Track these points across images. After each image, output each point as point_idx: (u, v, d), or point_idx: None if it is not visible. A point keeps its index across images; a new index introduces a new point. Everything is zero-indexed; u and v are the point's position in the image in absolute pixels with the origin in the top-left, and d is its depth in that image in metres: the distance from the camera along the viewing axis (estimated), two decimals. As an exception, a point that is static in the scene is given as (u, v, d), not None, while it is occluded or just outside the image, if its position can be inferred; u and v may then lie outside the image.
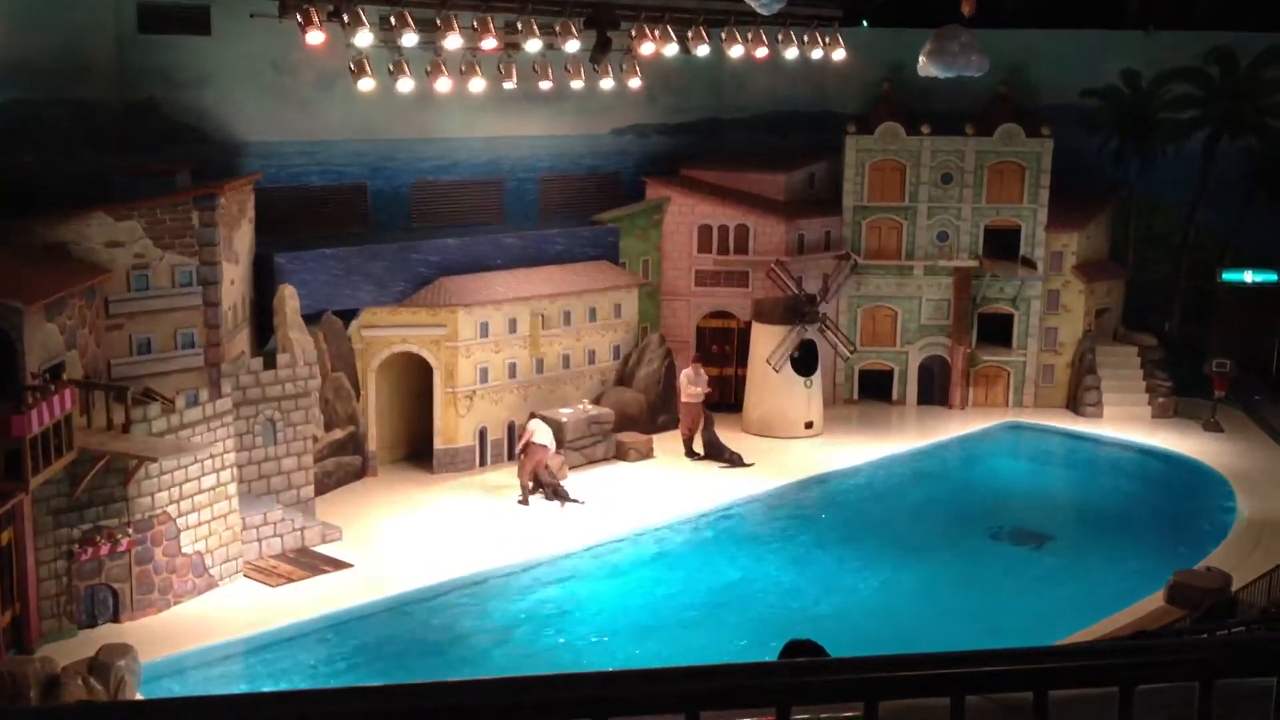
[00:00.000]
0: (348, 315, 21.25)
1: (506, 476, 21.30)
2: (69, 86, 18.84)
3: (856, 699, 1.99)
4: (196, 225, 17.92)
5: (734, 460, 22.56)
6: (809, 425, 24.56)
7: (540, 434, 20.49)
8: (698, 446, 22.89)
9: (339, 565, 17.70)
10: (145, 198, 17.62)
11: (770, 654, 2.58)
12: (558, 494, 20.57)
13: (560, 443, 21.84)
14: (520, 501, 20.39)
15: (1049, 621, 15.89)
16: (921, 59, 23.35)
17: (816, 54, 24.81)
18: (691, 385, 23.05)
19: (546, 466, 20.57)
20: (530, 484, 20.47)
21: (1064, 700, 2.21)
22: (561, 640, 16.39)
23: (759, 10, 17.83)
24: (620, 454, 22.82)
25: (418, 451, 22.32)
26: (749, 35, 23.74)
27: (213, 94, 20.52)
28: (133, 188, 17.86)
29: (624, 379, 24.29)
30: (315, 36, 18.30)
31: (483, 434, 22.20)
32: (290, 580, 17.17)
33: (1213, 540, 19.58)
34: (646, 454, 22.93)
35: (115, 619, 15.64)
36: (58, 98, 18.66)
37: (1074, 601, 17.12)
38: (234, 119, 20.79)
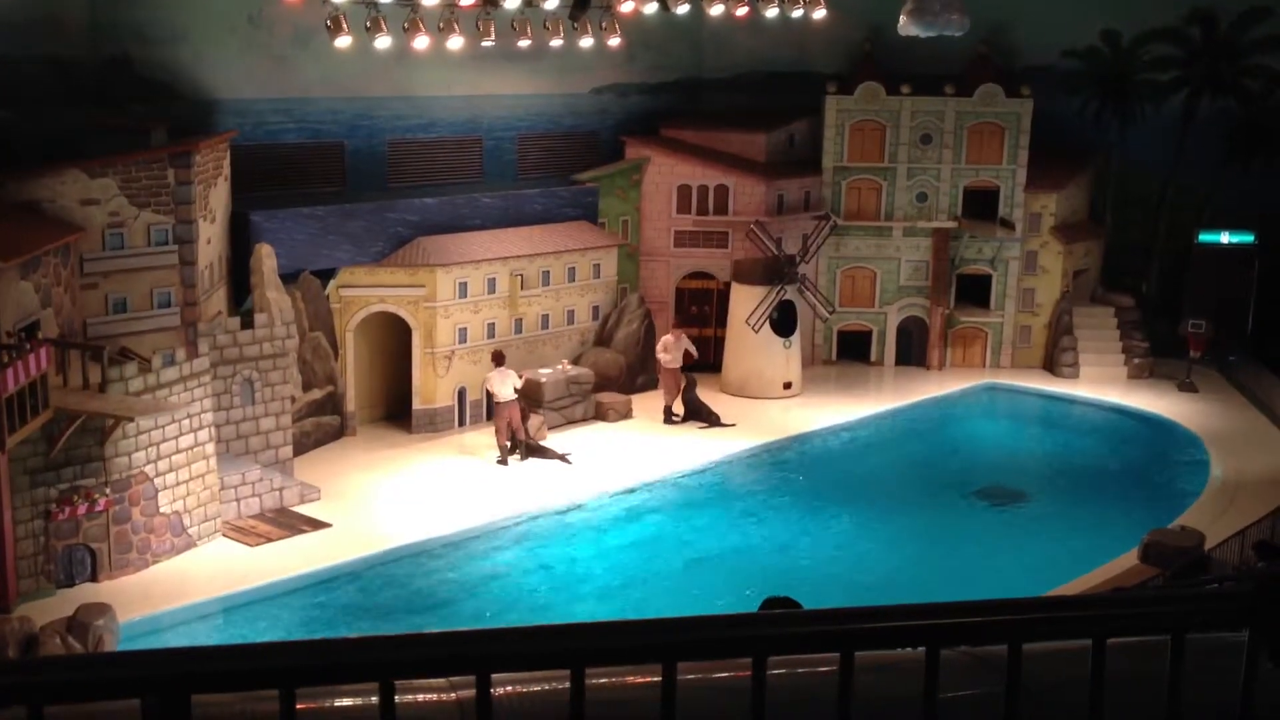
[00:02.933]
0: (325, 275, 21.15)
1: (485, 437, 21.30)
2: (42, 42, 18.60)
3: (832, 650, 2.01)
4: (172, 183, 17.77)
5: (714, 420, 22.60)
6: (788, 386, 24.62)
7: (500, 389, 20.32)
8: (677, 409, 22.81)
9: (317, 525, 17.70)
10: (120, 154, 17.44)
11: (748, 611, 2.60)
12: (534, 452, 20.56)
13: (539, 403, 21.85)
14: (499, 462, 20.40)
15: (1023, 579, 16.03)
16: (902, 18, 23.27)
17: (797, 13, 24.66)
18: (670, 351, 22.87)
19: (518, 421, 20.44)
20: (508, 443, 20.46)
21: (1037, 653, 2.23)
22: (539, 598, 16.47)
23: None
24: (599, 414, 22.84)
25: (396, 412, 22.30)
26: (729, -7, 23.55)
27: (187, 50, 20.29)
28: (107, 144, 17.67)
29: (603, 340, 24.27)
30: (291, -8, 18.09)
31: (461, 394, 22.17)
32: (269, 540, 17.17)
33: (1186, 500, 19.77)
34: (625, 414, 22.96)
35: (93, 578, 15.62)
36: (30, 53, 18.42)
37: (1049, 560, 17.27)
38: (209, 75, 20.56)
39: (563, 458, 20.55)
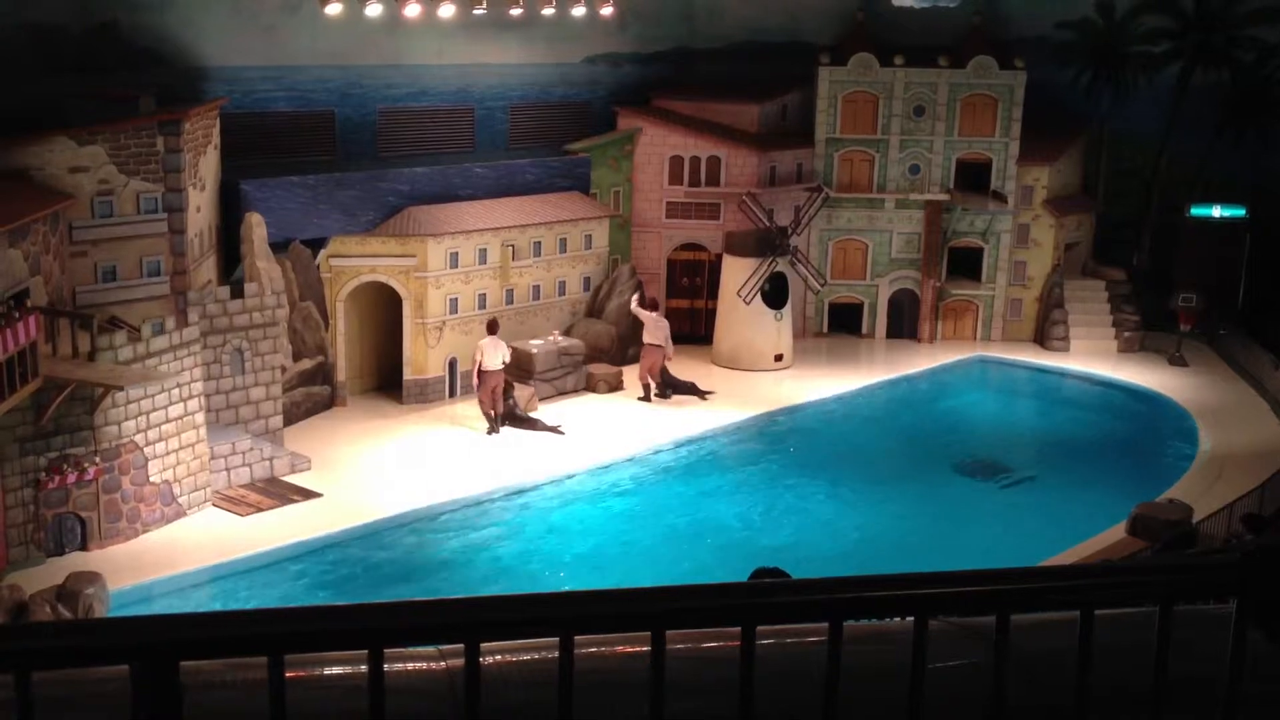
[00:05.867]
0: (316, 244, 21.07)
1: (475, 408, 21.29)
2: (28, 8, 18.44)
3: (821, 619, 2.01)
4: (161, 151, 17.68)
5: (693, 390, 22.48)
6: (779, 358, 24.63)
7: (490, 358, 20.33)
8: (655, 388, 22.57)
9: (308, 495, 17.71)
10: (109, 122, 17.33)
11: (738, 581, 2.61)
12: (523, 423, 20.54)
13: (530, 374, 21.83)
14: (490, 431, 20.39)
15: (1012, 552, 16.10)
16: (896, -11, 23.19)
17: (790, -17, 24.55)
18: (657, 326, 22.57)
19: (503, 389, 20.44)
20: (493, 412, 20.44)
21: (1026, 624, 2.23)
22: (529, 567, 16.51)
23: None
24: (590, 386, 22.82)
25: (387, 382, 22.27)
26: (722, -37, 23.46)
27: (175, 17, 20.13)
28: (95, 112, 17.55)
29: (594, 311, 24.24)
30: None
31: (452, 365, 22.14)
32: (259, 509, 17.17)
33: (1175, 473, 19.85)
34: (616, 386, 22.93)
35: (83, 547, 15.62)
36: (16, 20, 18.27)
37: (1037, 533, 17.34)
38: (197, 43, 20.41)
39: (554, 429, 20.55)
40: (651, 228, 25.75)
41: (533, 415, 20.86)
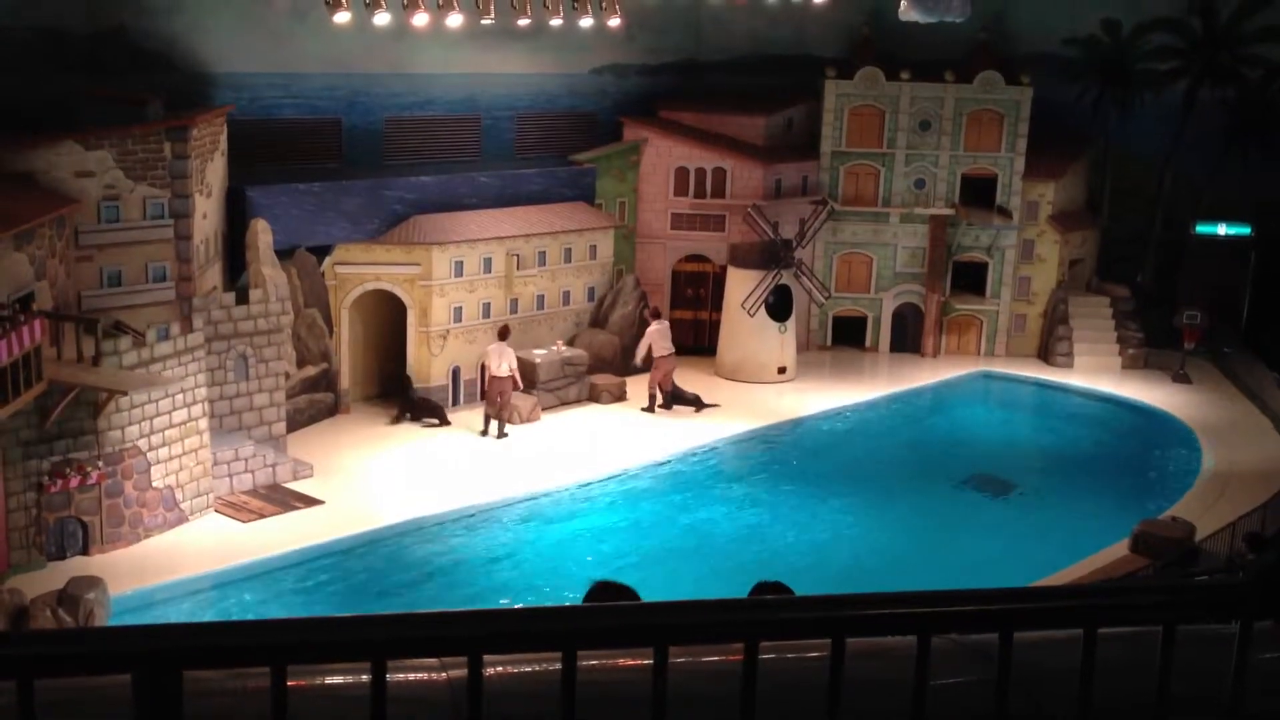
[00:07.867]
0: (321, 251, 21.10)
1: (479, 416, 21.29)
2: (36, 10, 18.49)
3: (823, 636, 2.00)
4: (169, 157, 17.70)
5: (697, 402, 22.49)
6: (782, 370, 24.62)
7: (497, 363, 20.48)
8: (660, 399, 22.61)
9: (310, 502, 17.70)
10: (116, 127, 17.35)
11: (739, 595, 2.60)
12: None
13: (533, 384, 21.84)
14: (484, 433, 20.52)
15: (1014, 568, 16.08)
16: (903, 2, 23.21)
17: (798, -4, 24.58)
18: (662, 334, 22.63)
19: (509, 397, 20.65)
20: (495, 418, 20.59)
21: (1028, 642, 2.23)
22: (531, 578, 16.48)
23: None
24: (593, 396, 22.82)
25: (390, 389, 22.27)
26: (730, -25, 23.48)
27: (184, 21, 20.17)
28: (102, 116, 17.58)
29: (598, 321, 24.24)
30: (290, -34, 18.00)
31: (455, 373, 22.15)
32: (261, 516, 17.17)
33: (1178, 491, 19.81)
34: (619, 396, 22.93)
35: (84, 551, 15.62)
36: (24, 22, 18.32)
37: (1040, 549, 17.31)
38: (205, 48, 20.44)
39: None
40: (656, 239, 25.76)
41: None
